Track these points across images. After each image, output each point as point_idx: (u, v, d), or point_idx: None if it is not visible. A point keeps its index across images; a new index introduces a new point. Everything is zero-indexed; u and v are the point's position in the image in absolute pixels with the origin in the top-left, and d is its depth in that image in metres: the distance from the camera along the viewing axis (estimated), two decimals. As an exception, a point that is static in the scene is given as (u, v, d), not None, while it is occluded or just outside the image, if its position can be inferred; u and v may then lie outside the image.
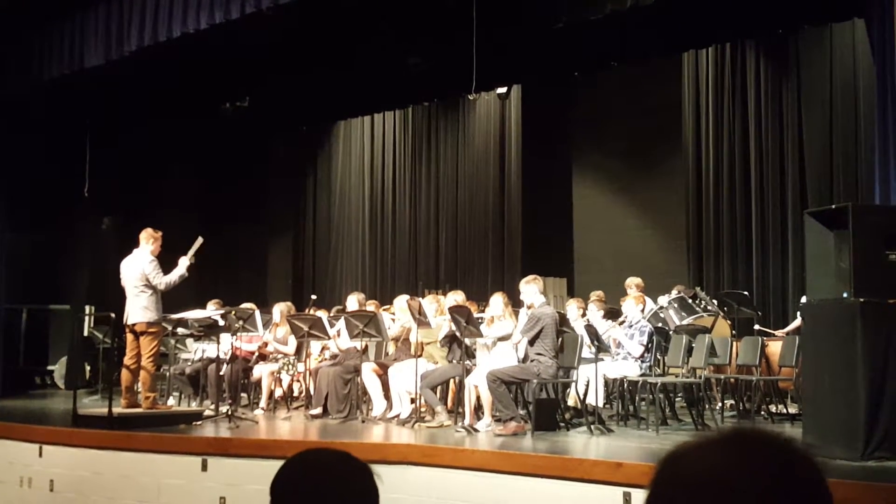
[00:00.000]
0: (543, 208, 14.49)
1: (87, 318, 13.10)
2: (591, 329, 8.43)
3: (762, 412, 8.71)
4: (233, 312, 9.34)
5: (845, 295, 6.06)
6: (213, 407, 9.10)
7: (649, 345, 8.66)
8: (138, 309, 8.49)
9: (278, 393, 10.29)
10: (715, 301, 10.13)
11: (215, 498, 7.13)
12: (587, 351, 8.36)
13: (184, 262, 8.70)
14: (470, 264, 15.01)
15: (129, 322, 8.55)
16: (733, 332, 9.68)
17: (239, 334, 9.49)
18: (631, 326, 8.83)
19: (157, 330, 8.63)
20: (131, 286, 8.54)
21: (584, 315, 9.61)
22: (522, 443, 7.14)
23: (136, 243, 8.78)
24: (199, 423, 8.53)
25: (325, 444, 7.27)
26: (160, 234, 8.77)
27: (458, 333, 8.25)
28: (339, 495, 1.59)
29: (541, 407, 7.91)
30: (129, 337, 8.62)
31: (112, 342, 10.34)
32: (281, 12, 9.17)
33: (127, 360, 8.61)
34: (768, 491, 1.03)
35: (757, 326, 9.86)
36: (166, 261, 8.80)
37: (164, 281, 8.52)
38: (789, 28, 10.83)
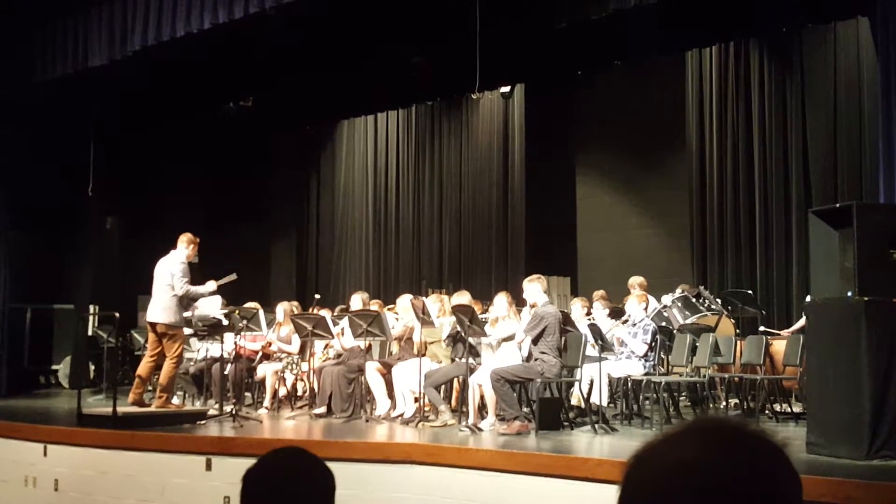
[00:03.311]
0: (547, 207, 14.48)
1: (91, 317, 13.11)
2: (594, 328, 8.42)
3: (766, 411, 8.71)
4: (236, 312, 9.35)
5: (849, 294, 6.05)
6: (217, 406, 9.11)
7: (653, 344, 8.65)
8: (158, 308, 8.53)
9: (282, 392, 10.30)
10: (719, 300, 10.12)
11: (219, 497, 7.14)
12: (591, 350, 8.36)
13: (211, 286, 8.72)
14: (473, 263, 15.01)
15: (149, 319, 8.62)
16: (737, 330, 9.67)
17: (243, 333, 9.50)
18: (634, 325, 8.83)
19: (177, 333, 8.65)
20: (158, 284, 8.59)
21: (588, 314, 9.61)
22: (526, 442, 7.14)
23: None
24: (203, 422, 8.54)
25: (328, 443, 7.27)
26: (198, 240, 8.82)
27: (461, 332, 8.25)
28: (301, 492, 1.80)
29: (544, 406, 7.91)
30: (151, 335, 8.67)
31: (116, 341, 10.36)
32: (284, 12, 9.18)
33: (148, 357, 8.65)
34: (735, 479, 1.05)
35: (762, 328, 9.84)
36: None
37: (185, 287, 8.53)
38: (793, 26, 10.81)
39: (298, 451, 1.86)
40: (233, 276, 9.01)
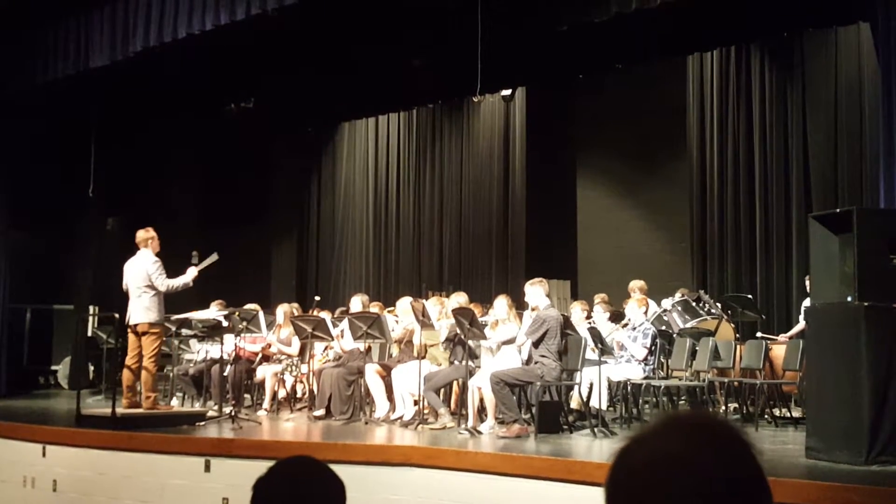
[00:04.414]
0: (547, 210, 14.48)
1: (90, 318, 13.11)
2: (594, 331, 8.42)
3: (766, 416, 8.70)
4: (236, 313, 9.35)
5: (849, 299, 6.05)
6: (216, 408, 9.11)
7: (653, 347, 8.65)
8: (140, 309, 8.51)
9: (281, 394, 10.30)
10: (719, 304, 10.11)
11: (218, 499, 7.14)
12: (591, 353, 8.35)
13: (192, 273, 8.72)
14: (474, 266, 15.01)
15: (131, 322, 8.58)
16: (737, 335, 9.67)
17: (242, 335, 9.50)
18: (634, 329, 8.82)
19: (158, 331, 8.67)
20: (134, 287, 8.57)
21: (588, 317, 9.61)
22: (525, 445, 7.13)
23: (137, 246, 8.79)
24: (202, 423, 8.54)
25: (327, 445, 7.26)
26: (152, 230, 8.80)
27: (461, 335, 8.25)
28: (311, 502, 1.79)
29: (544, 409, 7.91)
30: (132, 337, 8.65)
31: (116, 342, 10.37)
32: (286, 14, 9.18)
33: (128, 361, 8.64)
34: (719, 471, 1.09)
35: (759, 334, 9.83)
36: (170, 261, 8.81)
37: (166, 283, 8.53)
38: (794, 31, 10.82)
39: (309, 460, 1.85)
40: (214, 257, 8.95)
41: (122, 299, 8.85)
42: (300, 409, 9.93)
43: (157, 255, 8.71)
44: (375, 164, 16.38)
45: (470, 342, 8.28)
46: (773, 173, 11.78)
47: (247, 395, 10.55)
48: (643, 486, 1.10)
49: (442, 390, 8.78)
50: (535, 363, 7.90)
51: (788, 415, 8.73)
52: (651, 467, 1.10)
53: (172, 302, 9.15)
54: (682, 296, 9.96)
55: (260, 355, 10.42)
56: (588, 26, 9.41)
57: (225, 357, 9.51)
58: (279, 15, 9.15)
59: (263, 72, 11.72)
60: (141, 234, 8.75)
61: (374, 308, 9.93)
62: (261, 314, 9.73)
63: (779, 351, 8.93)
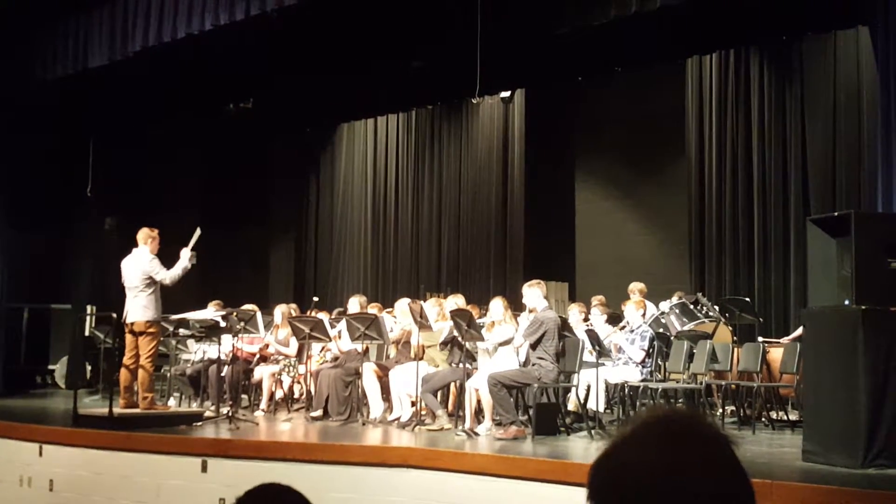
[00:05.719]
0: (546, 213, 14.49)
1: (88, 317, 13.09)
2: (592, 334, 8.43)
3: (763, 419, 8.70)
4: (234, 314, 9.34)
5: (847, 302, 6.06)
6: (213, 408, 9.10)
7: (650, 350, 8.65)
8: (138, 308, 8.50)
9: (279, 395, 10.29)
10: (716, 307, 10.11)
11: (215, 499, 7.13)
12: (588, 355, 8.36)
13: (185, 254, 8.68)
14: (472, 268, 15.01)
15: (129, 321, 8.57)
16: (735, 338, 9.67)
17: (240, 335, 9.49)
18: (632, 332, 8.83)
19: (156, 330, 8.64)
20: (132, 286, 8.56)
21: (586, 319, 9.62)
22: (523, 447, 7.14)
23: (136, 243, 8.79)
24: (199, 424, 8.53)
25: (324, 446, 7.26)
26: (157, 231, 8.80)
27: (459, 337, 8.25)
28: None
29: (541, 411, 7.91)
30: (129, 337, 8.63)
31: (113, 342, 10.35)
32: (285, 14, 9.19)
33: (126, 360, 8.62)
34: (693, 477, 1.10)
35: (761, 338, 9.82)
36: (167, 258, 8.80)
37: (168, 275, 8.52)
38: (793, 35, 10.83)
39: (285, 489, 1.84)
40: (198, 232, 8.87)
41: (120, 299, 8.84)
42: (297, 410, 9.92)
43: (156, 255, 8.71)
44: (374, 166, 16.37)
45: (467, 344, 8.28)
46: (772, 176, 11.79)
47: (244, 396, 10.55)
48: (625, 495, 1.10)
49: (439, 392, 8.78)
50: (533, 365, 7.91)
51: (785, 418, 8.73)
52: (632, 477, 1.11)
53: (170, 302, 9.13)
54: (680, 298, 9.96)
55: (257, 356, 10.42)
56: (587, 29, 9.42)
57: (222, 357, 9.50)
58: (278, 15, 9.16)
59: (262, 72, 11.72)
60: (144, 232, 8.74)
61: (372, 309, 9.93)
62: (258, 315, 9.73)
63: (776, 354, 8.94)
